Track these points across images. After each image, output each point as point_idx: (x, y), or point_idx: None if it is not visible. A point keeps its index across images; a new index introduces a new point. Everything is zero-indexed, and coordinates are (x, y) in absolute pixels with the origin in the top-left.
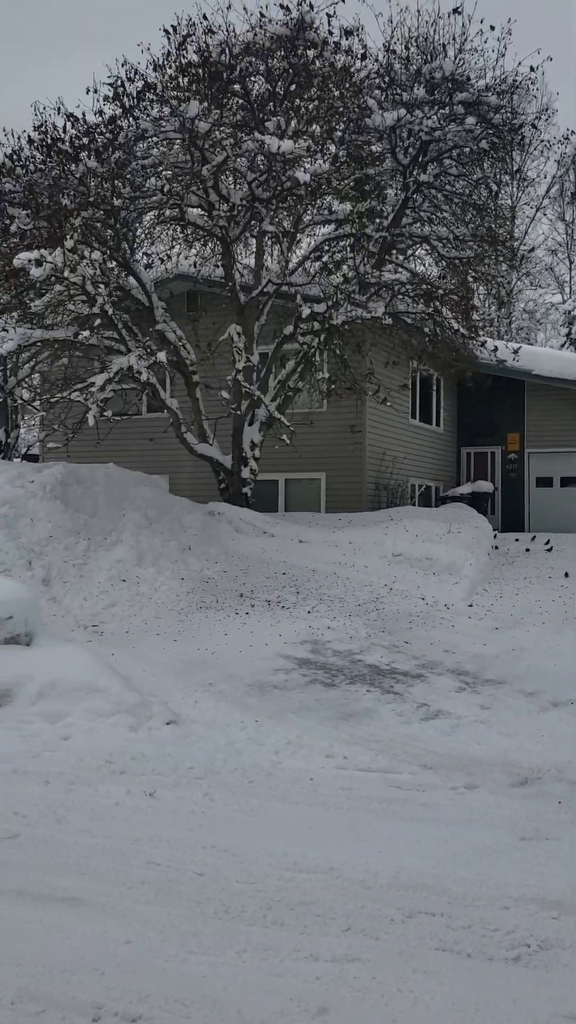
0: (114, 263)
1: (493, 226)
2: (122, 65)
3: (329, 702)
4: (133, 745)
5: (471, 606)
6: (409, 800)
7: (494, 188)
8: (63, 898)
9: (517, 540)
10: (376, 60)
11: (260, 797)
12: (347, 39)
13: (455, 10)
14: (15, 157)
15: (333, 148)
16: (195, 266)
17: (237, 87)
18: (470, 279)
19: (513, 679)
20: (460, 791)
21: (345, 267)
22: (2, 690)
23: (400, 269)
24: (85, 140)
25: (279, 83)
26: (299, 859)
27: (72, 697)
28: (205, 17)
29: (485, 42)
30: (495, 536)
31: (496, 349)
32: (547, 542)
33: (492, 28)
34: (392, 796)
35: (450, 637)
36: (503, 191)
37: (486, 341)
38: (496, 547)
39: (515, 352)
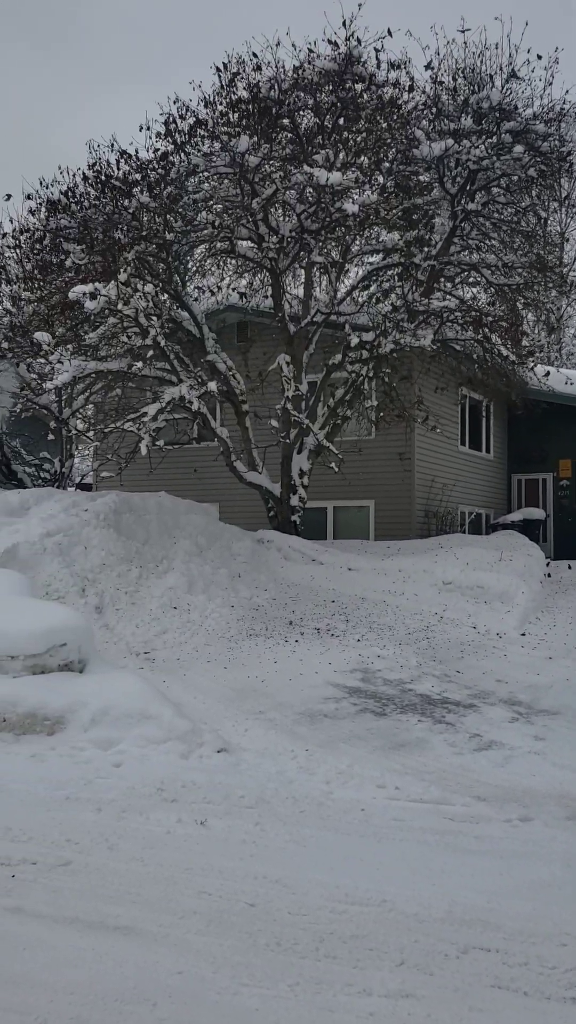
0: (166, 295)
1: (542, 253)
2: (174, 102)
3: (380, 731)
4: (184, 773)
5: (524, 635)
6: (462, 832)
7: (542, 215)
8: (115, 926)
9: (570, 568)
10: (423, 92)
11: (311, 827)
12: (394, 72)
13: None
14: (70, 194)
15: (381, 179)
16: (244, 297)
17: (286, 121)
18: (519, 306)
19: (567, 710)
20: (514, 823)
21: (393, 296)
22: (56, 717)
23: (448, 296)
24: (138, 176)
25: (327, 116)
26: (351, 891)
27: (124, 724)
28: (255, 55)
29: (532, 71)
30: (547, 564)
31: (548, 374)
32: None
33: (539, 57)
34: (445, 828)
35: (502, 666)
36: (552, 218)
37: (535, 366)
38: (549, 575)
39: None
